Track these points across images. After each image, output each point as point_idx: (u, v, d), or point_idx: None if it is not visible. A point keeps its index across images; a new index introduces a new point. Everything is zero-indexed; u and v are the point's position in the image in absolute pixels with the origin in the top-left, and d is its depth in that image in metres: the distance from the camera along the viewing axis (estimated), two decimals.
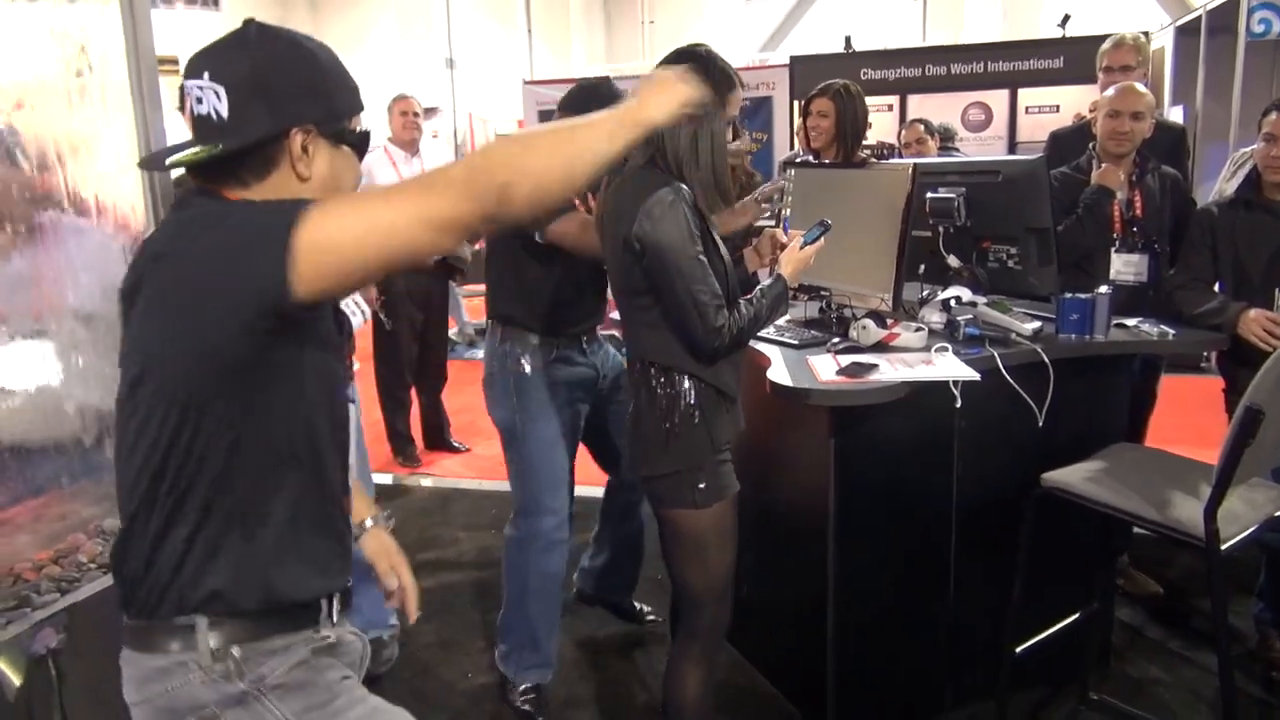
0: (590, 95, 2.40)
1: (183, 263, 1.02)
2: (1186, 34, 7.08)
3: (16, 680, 1.66)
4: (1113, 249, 2.85)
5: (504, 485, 4.49)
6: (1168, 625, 3.00)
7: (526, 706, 2.65)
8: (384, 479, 4.69)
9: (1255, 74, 5.84)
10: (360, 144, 1.21)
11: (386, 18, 13.63)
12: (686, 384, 1.92)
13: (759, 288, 1.99)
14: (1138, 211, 2.89)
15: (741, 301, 1.94)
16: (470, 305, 8.30)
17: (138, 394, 1.08)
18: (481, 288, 3.07)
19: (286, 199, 1.06)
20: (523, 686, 2.68)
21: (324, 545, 1.22)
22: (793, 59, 7.46)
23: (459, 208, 1.00)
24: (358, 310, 2.65)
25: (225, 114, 1.10)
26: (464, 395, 6.07)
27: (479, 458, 4.99)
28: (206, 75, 1.11)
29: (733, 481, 1.97)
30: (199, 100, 1.11)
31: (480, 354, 7.76)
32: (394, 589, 1.47)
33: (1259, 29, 5.73)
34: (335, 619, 1.24)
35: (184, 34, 8.03)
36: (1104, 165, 2.84)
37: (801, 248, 2.07)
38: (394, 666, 2.87)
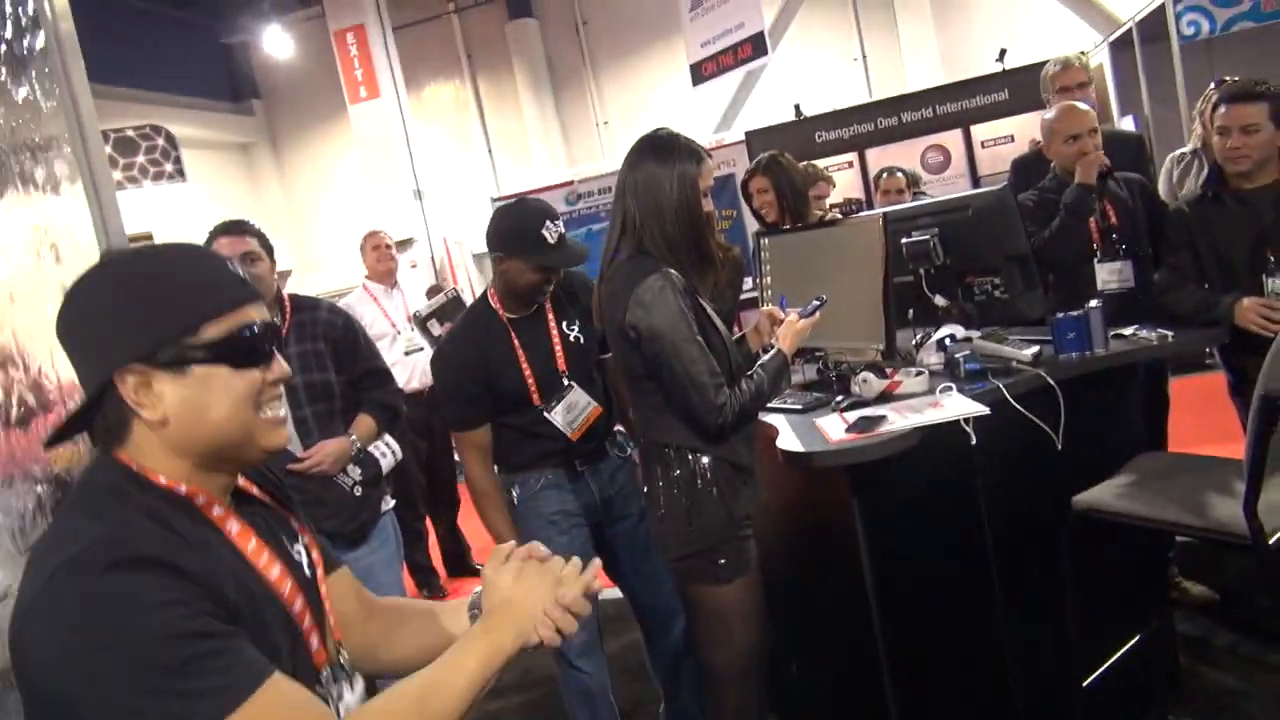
0: (505, 220, 2.44)
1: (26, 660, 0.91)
2: (1120, 47, 7.28)
3: None
4: (1096, 260, 2.86)
5: None
6: (1233, 631, 2.90)
7: None
8: None
9: (1194, 75, 5.97)
10: (229, 350, 1.01)
11: (350, 160, 13.97)
12: (701, 462, 1.91)
13: (759, 362, 1.99)
14: (1112, 220, 2.91)
15: (742, 378, 1.94)
16: None
17: None
18: None
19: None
20: None
21: None
22: (748, 134, 7.63)
23: None
24: (389, 451, 2.64)
25: (77, 376, 1.02)
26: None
27: None
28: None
29: (754, 555, 1.95)
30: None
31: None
32: None
33: (1189, 31, 5.88)
34: None
35: (155, 209, 8.21)
36: (1080, 164, 2.84)
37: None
38: None
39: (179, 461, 1.01)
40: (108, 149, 6.23)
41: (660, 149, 1.99)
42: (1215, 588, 3.10)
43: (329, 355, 2.58)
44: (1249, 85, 2.57)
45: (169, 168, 7.01)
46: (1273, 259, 2.52)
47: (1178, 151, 3.74)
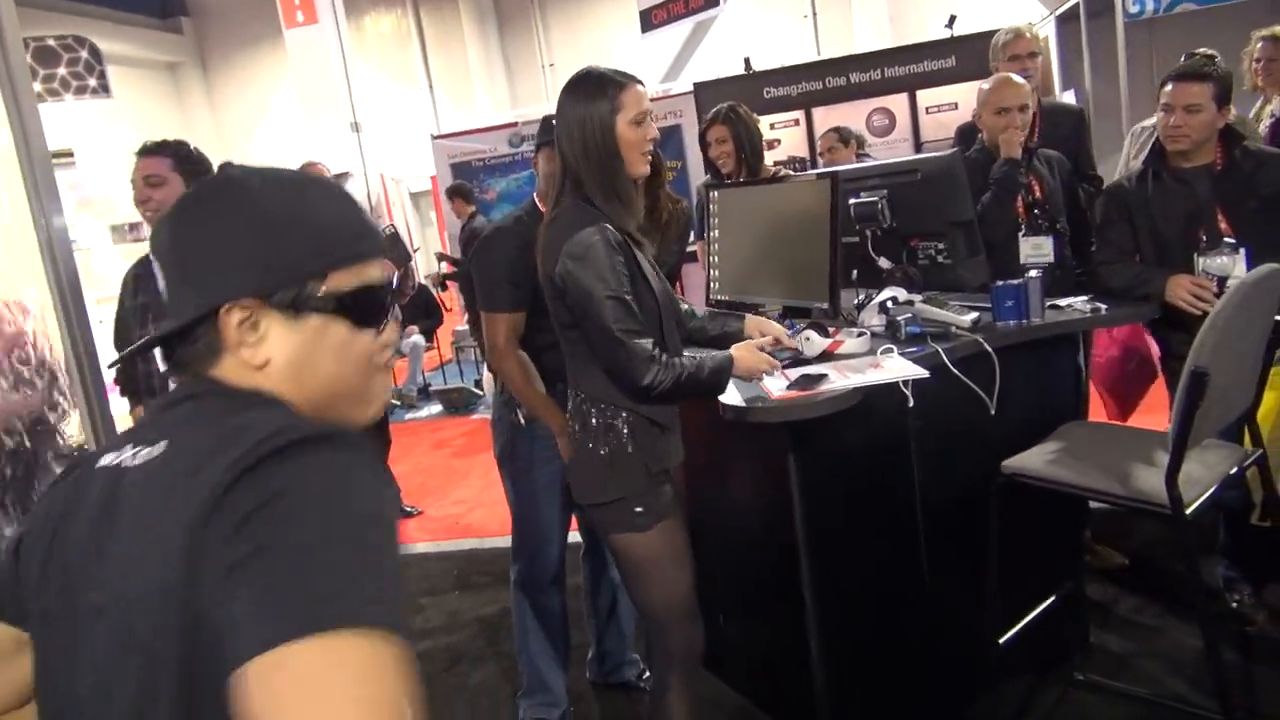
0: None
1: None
2: (1067, 21, 7.37)
3: None
4: (1020, 234, 2.90)
5: (462, 544, 4.42)
6: (1138, 596, 3.03)
7: None
8: None
9: (1135, 52, 6.09)
10: (352, 305, 0.90)
11: (284, 88, 13.49)
12: (620, 415, 1.92)
13: (709, 354, 1.99)
14: (1036, 194, 2.95)
15: (686, 355, 1.94)
16: (430, 357, 8.20)
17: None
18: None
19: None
20: None
21: None
22: (696, 85, 7.55)
23: None
24: None
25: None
26: (410, 458, 5.95)
27: (431, 519, 4.87)
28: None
29: (670, 497, 1.98)
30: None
31: (421, 415, 7.65)
32: None
33: (1134, 9, 5.97)
34: None
35: (77, 125, 7.83)
36: (1001, 139, 2.89)
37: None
38: None
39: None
40: (27, 58, 5.89)
41: (576, 90, 1.94)
42: (1124, 552, 3.23)
43: None
44: (1197, 65, 2.60)
45: (93, 82, 6.62)
46: (1205, 238, 2.58)
47: (1138, 125, 3.79)
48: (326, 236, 0.90)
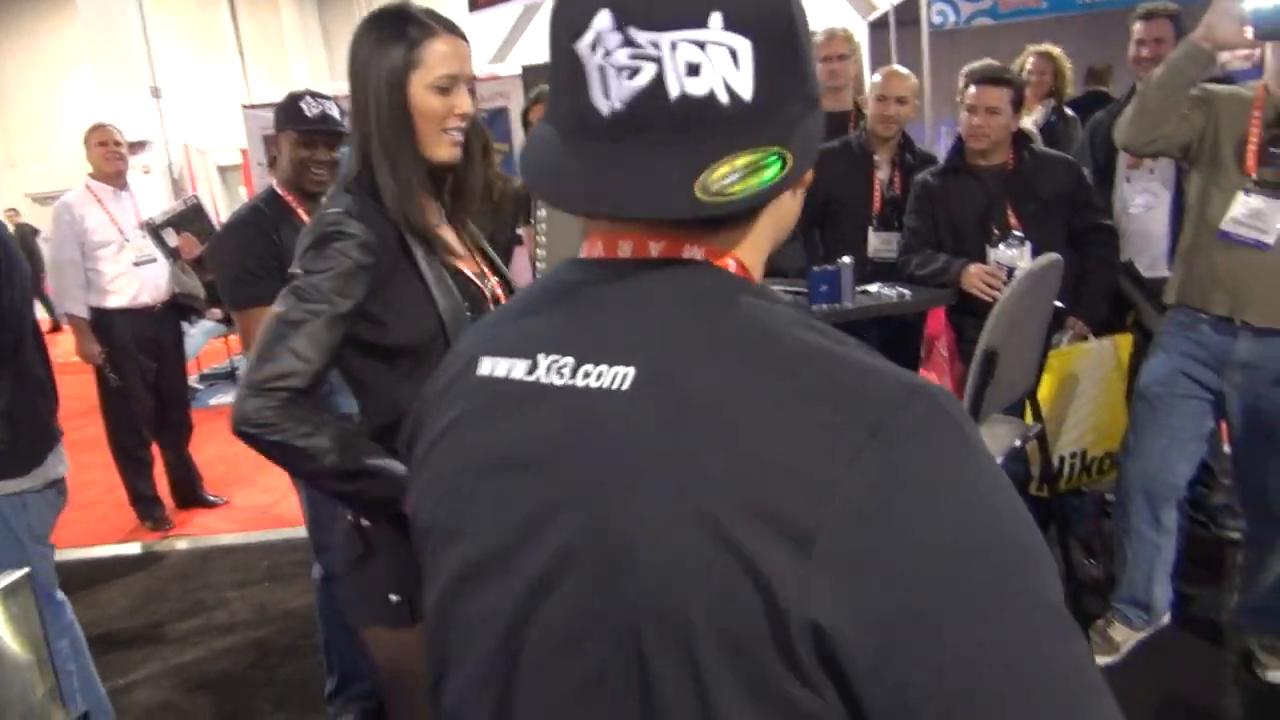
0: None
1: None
2: (877, 28, 7.78)
3: None
4: (870, 228, 3.05)
5: (273, 534, 4.20)
6: None
7: None
8: (132, 549, 4.23)
9: (938, 59, 6.49)
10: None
11: (75, 43, 12.40)
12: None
13: (390, 465, 1.42)
14: (898, 191, 3.12)
15: (334, 426, 1.36)
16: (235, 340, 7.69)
17: None
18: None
19: None
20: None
21: None
22: (525, 69, 7.47)
23: None
24: None
25: (749, 93, 0.57)
26: (215, 444, 5.60)
27: (239, 509, 4.61)
28: (719, 20, 0.55)
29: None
30: (693, 70, 0.56)
31: (227, 400, 7.24)
32: None
33: (937, 20, 6.36)
34: None
35: None
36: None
37: None
38: None
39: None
40: None
41: (373, 24, 1.46)
42: None
43: None
44: (998, 70, 2.80)
45: None
46: (996, 231, 2.79)
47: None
48: None
